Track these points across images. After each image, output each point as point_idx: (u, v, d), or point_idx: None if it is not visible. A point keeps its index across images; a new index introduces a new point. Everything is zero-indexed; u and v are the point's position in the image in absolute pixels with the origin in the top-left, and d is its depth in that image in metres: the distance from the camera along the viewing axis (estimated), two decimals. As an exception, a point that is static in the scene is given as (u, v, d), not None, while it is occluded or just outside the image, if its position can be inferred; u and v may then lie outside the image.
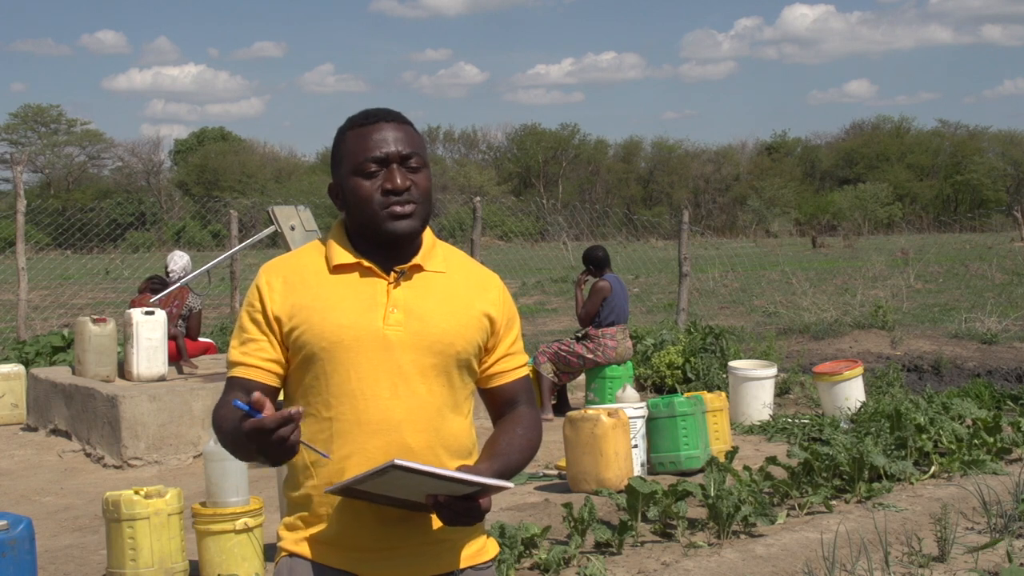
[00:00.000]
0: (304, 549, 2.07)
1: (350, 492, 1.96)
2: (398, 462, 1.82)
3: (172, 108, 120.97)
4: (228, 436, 2.00)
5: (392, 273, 2.09)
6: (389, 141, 2.07)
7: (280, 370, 2.08)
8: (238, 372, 2.07)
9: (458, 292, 2.13)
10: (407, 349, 2.05)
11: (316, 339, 2.03)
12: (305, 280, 2.09)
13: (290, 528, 2.11)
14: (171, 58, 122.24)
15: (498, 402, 2.21)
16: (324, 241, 2.16)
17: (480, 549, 2.15)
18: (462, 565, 2.11)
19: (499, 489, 1.95)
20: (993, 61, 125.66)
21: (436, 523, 2.06)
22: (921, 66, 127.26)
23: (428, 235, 2.15)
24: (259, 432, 1.81)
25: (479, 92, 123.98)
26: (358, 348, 2.03)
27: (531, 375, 3.65)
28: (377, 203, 2.05)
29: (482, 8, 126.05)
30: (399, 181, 2.05)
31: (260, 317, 2.07)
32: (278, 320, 2.06)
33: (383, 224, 2.06)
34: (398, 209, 2.05)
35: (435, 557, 2.08)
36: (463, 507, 1.93)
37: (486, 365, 2.18)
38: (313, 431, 2.05)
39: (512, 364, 2.20)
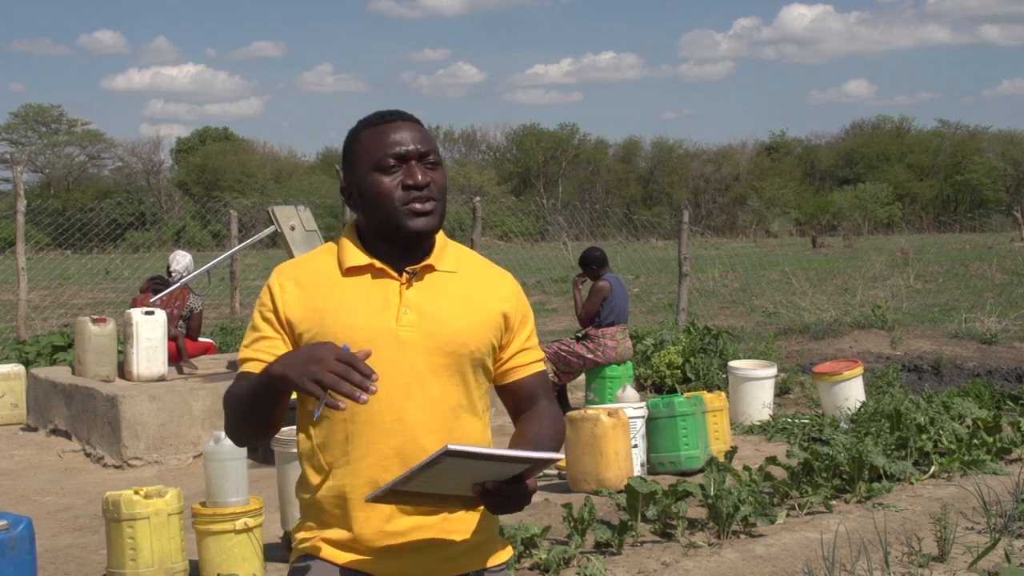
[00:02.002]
0: (321, 551, 2.06)
1: (393, 496, 1.92)
2: (452, 447, 1.77)
3: (171, 108, 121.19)
4: (240, 402, 2.01)
5: (404, 274, 2.09)
6: (407, 139, 2.08)
7: None
8: (250, 367, 2.06)
9: (470, 291, 2.13)
10: (420, 350, 2.05)
11: (329, 340, 2.02)
12: (317, 283, 2.09)
13: (306, 530, 2.10)
14: (170, 58, 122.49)
15: (518, 398, 2.19)
16: (336, 243, 2.15)
17: (496, 552, 2.15)
18: (478, 567, 2.10)
19: (549, 463, 1.91)
20: (992, 61, 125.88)
21: (454, 524, 2.05)
22: (920, 66, 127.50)
23: (439, 235, 2.15)
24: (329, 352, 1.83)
25: (478, 92, 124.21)
26: (371, 349, 2.02)
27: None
28: (398, 199, 2.05)
29: (481, 8, 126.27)
30: (420, 177, 2.06)
31: (272, 316, 2.08)
32: (290, 323, 2.06)
33: (403, 221, 2.06)
34: (418, 206, 2.05)
35: (453, 558, 2.07)
36: (511, 490, 1.90)
37: (502, 361, 2.16)
38: (327, 432, 2.06)
39: (529, 358, 2.19)
